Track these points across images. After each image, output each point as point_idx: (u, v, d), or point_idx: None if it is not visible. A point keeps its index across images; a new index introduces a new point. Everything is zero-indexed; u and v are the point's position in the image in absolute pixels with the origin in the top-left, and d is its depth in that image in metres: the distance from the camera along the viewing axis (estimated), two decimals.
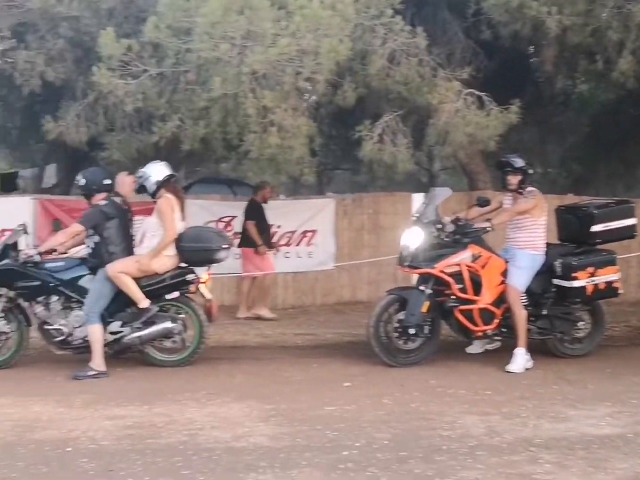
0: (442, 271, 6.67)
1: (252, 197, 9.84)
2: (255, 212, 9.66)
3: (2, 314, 6.89)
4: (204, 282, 6.93)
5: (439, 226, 6.81)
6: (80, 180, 6.97)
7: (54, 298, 6.88)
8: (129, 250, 6.93)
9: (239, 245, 9.79)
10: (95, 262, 6.86)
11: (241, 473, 4.20)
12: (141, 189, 7.13)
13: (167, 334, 6.88)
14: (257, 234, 9.48)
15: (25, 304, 7.05)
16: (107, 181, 6.97)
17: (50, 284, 6.85)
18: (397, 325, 6.76)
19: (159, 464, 4.35)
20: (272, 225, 10.01)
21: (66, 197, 11.93)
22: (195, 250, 6.88)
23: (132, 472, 4.22)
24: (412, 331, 6.66)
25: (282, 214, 10.53)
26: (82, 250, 7.17)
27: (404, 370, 6.66)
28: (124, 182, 7.54)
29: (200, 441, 4.76)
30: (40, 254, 6.89)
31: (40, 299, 6.89)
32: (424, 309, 6.66)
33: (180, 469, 4.27)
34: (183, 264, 6.95)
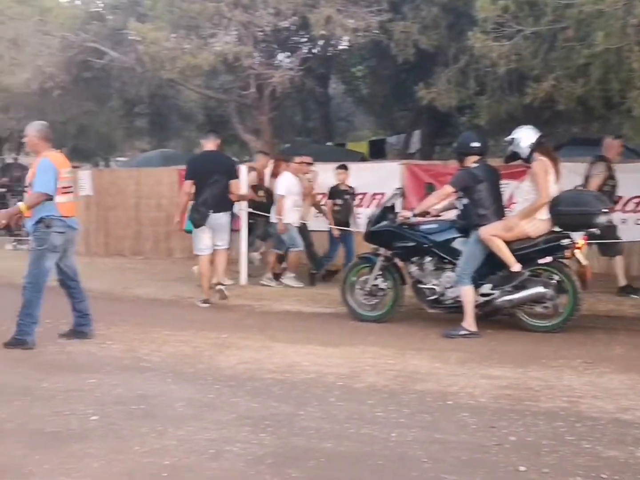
0: None
1: None
2: None
3: (380, 272, 7.37)
4: (579, 248, 6.66)
5: None
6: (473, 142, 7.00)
7: (428, 259, 7.16)
8: (499, 213, 6.91)
9: None
10: (464, 223, 6.98)
11: (631, 446, 3.96)
12: (511, 157, 7.04)
13: (538, 299, 6.75)
14: None
15: (400, 264, 7.46)
16: (477, 144, 6.99)
17: (424, 245, 7.14)
18: None
19: (540, 427, 4.29)
20: None
21: (433, 162, 12.34)
22: (572, 214, 6.60)
23: (514, 431, 4.22)
24: None
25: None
26: (451, 214, 7.34)
27: None
28: (611, 146, 8.11)
29: (582, 409, 4.59)
30: (415, 215, 7.20)
31: (414, 259, 7.23)
32: None
33: (564, 434, 4.16)
34: (556, 228, 6.75)
